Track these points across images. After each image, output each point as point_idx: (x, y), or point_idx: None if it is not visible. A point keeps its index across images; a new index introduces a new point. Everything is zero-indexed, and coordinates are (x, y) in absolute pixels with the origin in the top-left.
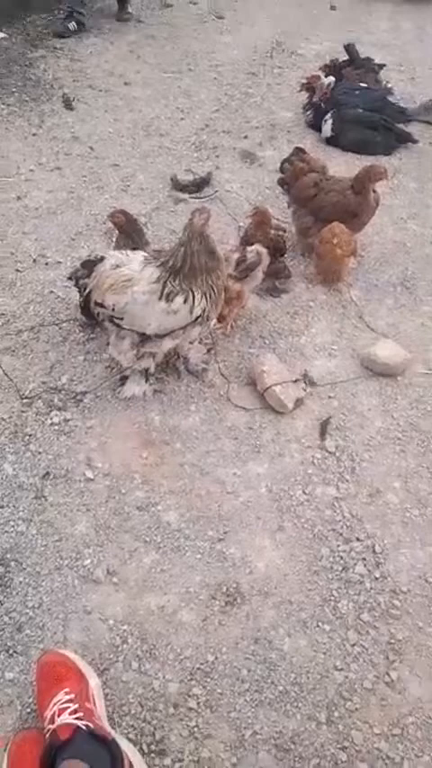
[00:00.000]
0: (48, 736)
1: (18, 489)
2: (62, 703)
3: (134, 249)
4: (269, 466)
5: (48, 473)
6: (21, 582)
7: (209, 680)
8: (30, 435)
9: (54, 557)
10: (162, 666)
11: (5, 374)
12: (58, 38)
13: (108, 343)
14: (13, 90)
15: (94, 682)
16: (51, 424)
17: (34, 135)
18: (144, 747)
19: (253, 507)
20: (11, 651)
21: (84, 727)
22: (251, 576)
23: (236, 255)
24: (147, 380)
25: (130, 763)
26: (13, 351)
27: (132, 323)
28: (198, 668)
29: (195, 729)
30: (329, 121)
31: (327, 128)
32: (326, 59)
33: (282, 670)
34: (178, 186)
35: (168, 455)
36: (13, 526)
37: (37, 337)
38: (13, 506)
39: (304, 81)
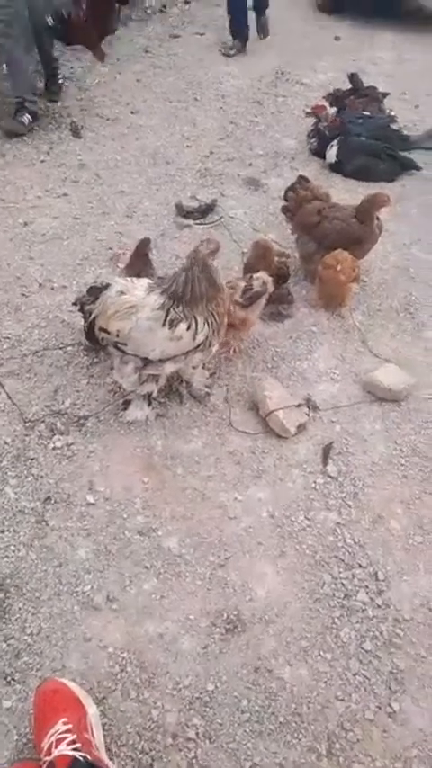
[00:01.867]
0: (44, 767)
1: (19, 513)
2: (60, 733)
3: (138, 275)
4: (271, 491)
5: (49, 497)
6: (20, 608)
7: (208, 710)
8: (32, 459)
9: (54, 582)
10: (161, 695)
11: (9, 397)
12: (13, 137)
13: (112, 368)
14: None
15: (92, 711)
16: (54, 447)
17: (42, 162)
18: None
19: (254, 533)
20: (8, 679)
21: (81, 759)
22: (252, 603)
23: (242, 284)
24: (149, 405)
25: None
26: (18, 374)
27: (136, 349)
28: (197, 697)
29: (194, 761)
30: (335, 147)
31: (332, 153)
32: (329, 89)
33: (282, 700)
34: (183, 212)
35: (170, 480)
36: (13, 551)
37: (41, 361)
38: (14, 531)
39: (309, 110)
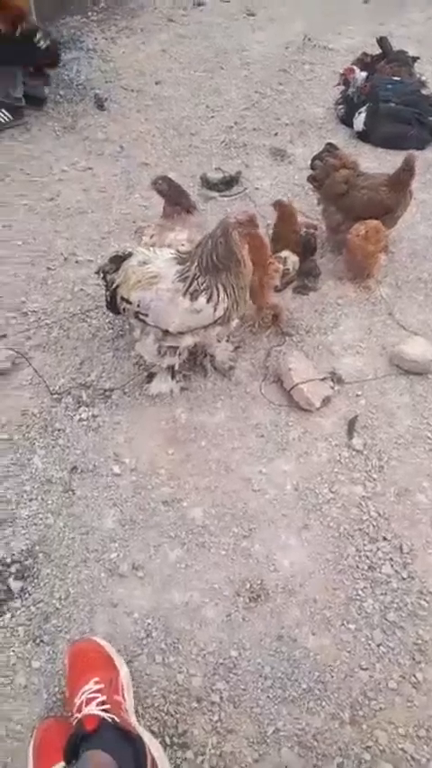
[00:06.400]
0: (74, 724)
1: (47, 483)
2: (91, 692)
3: (187, 211)
4: (295, 464)
5: (75, 467)
6: (48, 574)
7: (232, 675)
8: (59, 430)
9: (81, 550)
10: (186, 660)
11: (35, 371)
12: None
13: (135, 341)
14: (46, 92)
15: (124, 672)
16: (80, 419)
17: (66, 135)
18: (167, 740)
19: (279, 505)
20: (38, 641)
21: (109, 720)
22: (276, 573)
23: (281, 267)
24: (173, 378)
25: (153, 758)
26: (44, 347)
27: (156, 320)
28: (221, 663)
29: (218, 724)
30: (363, 114)
31: (359, 120)
32: (357, 54)
33: (305, 668)
34: (208, 184)
35: (194, 452)
36: (41, 519)
37: (67, 334)
38: (42, 499)
39: (341, 72)
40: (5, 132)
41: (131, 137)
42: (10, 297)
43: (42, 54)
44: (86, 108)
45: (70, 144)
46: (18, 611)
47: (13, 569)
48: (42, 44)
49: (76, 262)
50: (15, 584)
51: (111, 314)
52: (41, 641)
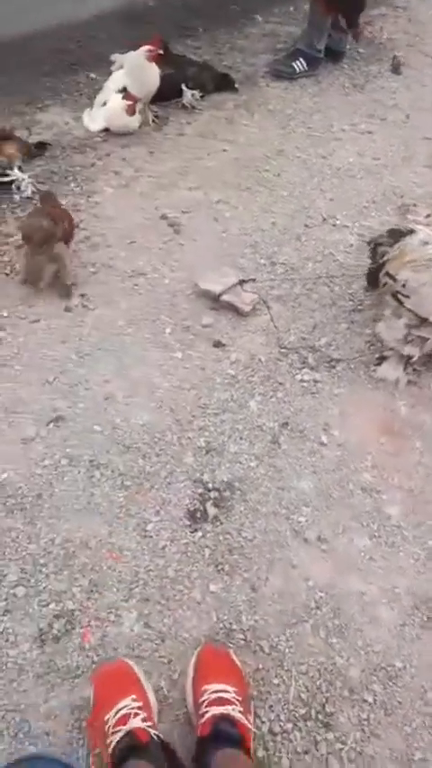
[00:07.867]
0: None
1: (257, 429)
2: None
3: None
4: None
5: (286, 423)
6: (241, 511)
7: (391, 684)
8: (279, 384)
9: (274, 501)
10: (348, 648)
11: (272, 320)
12: (276, 78)
13: (374, 320)
14: (346, 47)
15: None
16: (301, 379)
17: (355, 94)
18: (312, 712)
19: None
20: (219, 567)
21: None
22: None
23: None
24: (404, 368)
25: None
26: (284, 301)
27: (418, 305)
28: (383, 668)
29: (365, 722)
30: None
31: None
32: None
33: None
34: None
35: (406, 450)
36: (246, 459)
37: (308, 294)
38: (251, 442)
39: None
40: (297, 82)
41: (421, 106)
42: (265, 244)
43: None
44: (381, 69)
45: (356, 104)
46: (208, 534)
47: (212, 495)
48: None
49: (333, 225)
50: (211, 510)
51: (358, 286)
52: (222, 569)
